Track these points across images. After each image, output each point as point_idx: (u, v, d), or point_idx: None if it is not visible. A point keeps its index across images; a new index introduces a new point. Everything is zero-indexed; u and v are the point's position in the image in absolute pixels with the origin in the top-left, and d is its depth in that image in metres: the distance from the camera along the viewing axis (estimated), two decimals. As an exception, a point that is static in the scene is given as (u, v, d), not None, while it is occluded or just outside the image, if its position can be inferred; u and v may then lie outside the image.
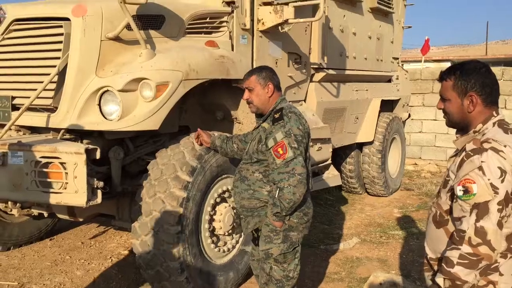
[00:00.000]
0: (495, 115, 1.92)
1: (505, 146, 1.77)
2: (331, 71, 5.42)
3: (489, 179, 1.73)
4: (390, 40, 7.15)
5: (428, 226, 2.07)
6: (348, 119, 6.04)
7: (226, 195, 3.63)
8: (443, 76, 2.00)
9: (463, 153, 1.87)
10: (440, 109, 2.05)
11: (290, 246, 2.73)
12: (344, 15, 5.70)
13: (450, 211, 1.92)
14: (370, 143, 6.59)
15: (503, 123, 1.91)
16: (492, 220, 1.72)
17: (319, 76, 5.28)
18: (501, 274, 1.83)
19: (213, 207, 3.54)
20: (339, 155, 6.62)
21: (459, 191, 1.79)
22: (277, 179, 2.60)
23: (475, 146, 1.83)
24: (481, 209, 1.73)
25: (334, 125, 5.77)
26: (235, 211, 3.50)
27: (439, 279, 1.83)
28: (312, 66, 5.16)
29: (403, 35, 7.79)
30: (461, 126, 2.00)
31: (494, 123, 1.90)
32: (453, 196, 1.88)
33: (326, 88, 5.47)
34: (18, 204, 3.81)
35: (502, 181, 1.72)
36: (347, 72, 5.86)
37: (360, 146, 6.68)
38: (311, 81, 5.23)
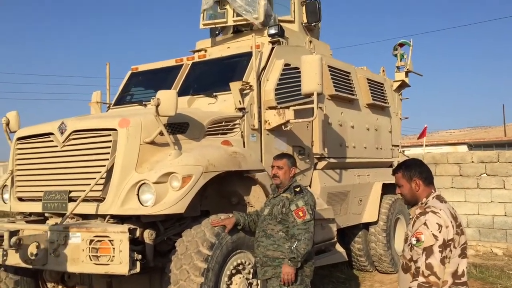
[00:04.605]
0: (433, 192, 2.83)
1: (440, 209, 2.65)
2: (332, 160, 6.26)
3: (431, 231, 2.56)
4: (389, 130, 8.05)
5: (399, 273, 2.86)
6: (352, 202, 6.74)
7: (240, 267, 4.32)
8: (395, 171, 2.95)
9: (415, 217, 2.72)
10: (398, 193, 2.96)
11: (305, 286, 3.89)
12: (342, 112, 6.66)
13: (411, 259, 2.68)
14: (375, 223, 7.22)
15: (440, 197, 2.80)
16: (436, 258, 2.53)
17: (321, 164, 6.11)
18: None
19: (230, 277, 4.22)
20: (348, 235, 7.24)
21: (413, 241, 2.62)
22: (296, 233, 3.76)
23: (421, 210, 2.71)
24: (428, 251, 2.55)
25: (339, 207, 6.48)
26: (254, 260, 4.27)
27: None
28: (315, 156, 6.02)
29: (401, 125, 8.69)
30: (413, 202, 2.90)
31: (433, 197, 2.80)
32: (411, 247, 2.66)
33: (329, 175, 6.28)
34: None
35: (440, 231, 2.56)
36: (348, 160, 6.69)
37: (366, 226, 7.30)
38: (314, 169, 6.06)
